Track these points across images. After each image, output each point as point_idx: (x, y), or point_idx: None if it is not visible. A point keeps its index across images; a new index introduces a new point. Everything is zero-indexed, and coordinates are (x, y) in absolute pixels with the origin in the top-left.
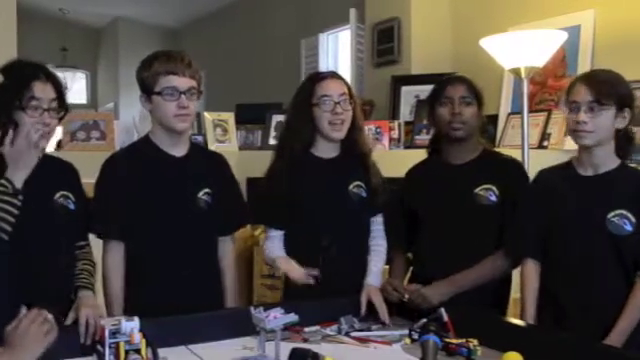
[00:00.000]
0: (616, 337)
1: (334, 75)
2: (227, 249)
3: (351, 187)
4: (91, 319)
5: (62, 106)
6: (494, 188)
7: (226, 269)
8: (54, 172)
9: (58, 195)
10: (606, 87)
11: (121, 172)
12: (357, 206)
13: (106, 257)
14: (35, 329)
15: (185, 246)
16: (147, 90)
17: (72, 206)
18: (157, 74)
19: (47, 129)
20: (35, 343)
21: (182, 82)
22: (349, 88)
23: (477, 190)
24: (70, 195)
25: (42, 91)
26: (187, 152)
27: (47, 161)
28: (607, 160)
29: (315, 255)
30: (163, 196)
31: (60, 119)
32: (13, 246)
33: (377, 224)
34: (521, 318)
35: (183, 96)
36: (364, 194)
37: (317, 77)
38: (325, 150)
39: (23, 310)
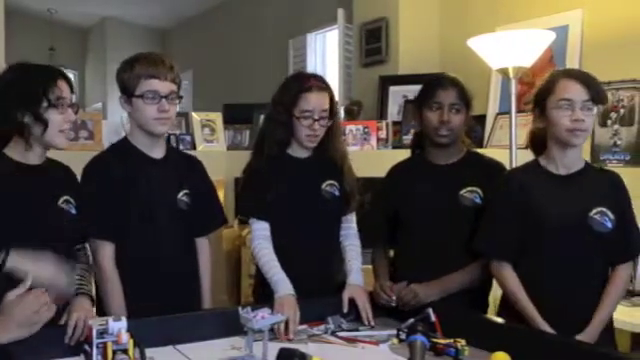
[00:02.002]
0: (595, 328)
1: (320, 87)
2: (203, 250)
3: (324, 186)
4: (81, 322)
5: (75, 103)
6: (479, 191)
7: (203, 271)
8: (57, 176)
9: (62, 200)
10: (598, 86)
11: (107, 173)
12: (330, 204)
13: (100, 259)
14: (37, 309)
15: (166, 247)
16: (127, 92)
17: (74, 211)
18: (138, 77)
19: (71, 126)
20: (30, 323)
21: (163, 86)
22: (332, 98)
23: (462, 192)
24: (72, 200)
25: (65, 89)
26: (165, 154)
27: (50, 164)
28: (578, 159)
29: (287, 254)
30: (145, 198)
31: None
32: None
33: (349, 222)
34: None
35: (164, 100)
36: (337, 193)
37: (303, 86)
38: (299, 151)
39: (29, 280)
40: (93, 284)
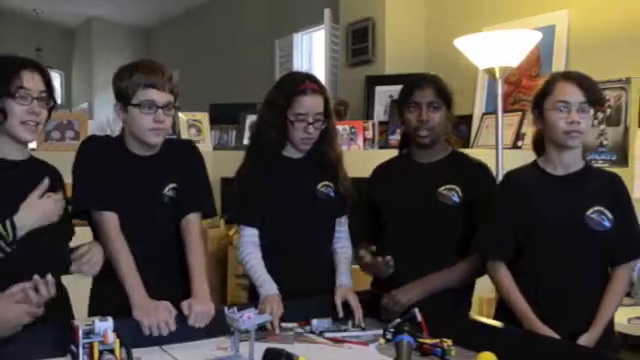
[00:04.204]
0: (597, 329)
1: (315, 89)
2: (190, 227)
3: (319, 186)
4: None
5: (51, 98)
6: (458, 189)
7: (190, 244)
8: (41, 175)
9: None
10: (595, 88)
11: (99, 153)
12: (325, 205)
13: (106, 229)
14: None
15: (149, 243)
16: (124, 100)
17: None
18: (136, 86)
19: (37, 119)
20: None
21: (161, 97)
22: (326, 100)
23: (441, 190)
24: None
25: (30, 80)
26: (156, 152)
27: (33, 163)
28: (576, 160)
29: (283, 255)
30: (128, 192)
31: (50, 111)
32: None
33: (342, 225)
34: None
35: (160, 110)
36: (332, 194)
37: (298, 89)
38: (294, 152)
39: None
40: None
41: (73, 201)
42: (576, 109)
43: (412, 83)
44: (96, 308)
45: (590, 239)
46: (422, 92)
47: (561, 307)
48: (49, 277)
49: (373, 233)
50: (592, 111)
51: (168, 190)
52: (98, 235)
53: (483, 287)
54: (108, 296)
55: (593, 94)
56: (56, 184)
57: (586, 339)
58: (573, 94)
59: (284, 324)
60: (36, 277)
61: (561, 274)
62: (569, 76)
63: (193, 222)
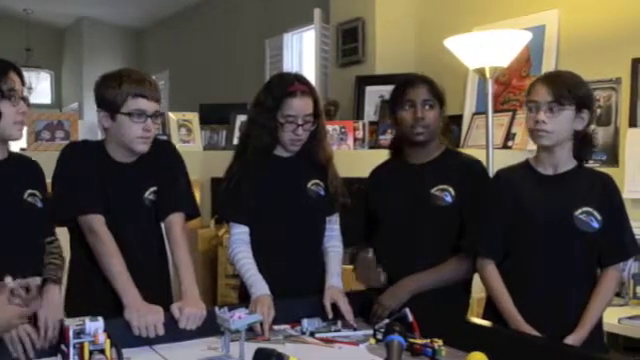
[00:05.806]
0: (584, 329)
1: (304, 91)
2: (173, 227)
3: (309, 185)
4: (50, 322)
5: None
6: (450, 189)
7: (174, 245)
8: (21, 170)
9: (27, 194)
10: (566, 88)
11: (80, 160)
12: (315, 203)
13: (95, 228)
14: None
15: (132, 247)
16: (111, 108)
17: (40, 204)
18: (126, 95)
19: (25, 118)
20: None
21: (150, 106)
22: (315, 101)
23: (433, 190)
24: (37, 193)
25: (17, 81)
26: (137, 158)
27: (13, 159)
28: (566, 160)
29: (273, 254)
30: (109, 198)
31: None
32: None
33: (333, 223)
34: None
35: (149, 119)
36: (322, 192)
37: (287, 91)
38: (283, 150)
39: (8, 280)
40: (64, 274)
41: (57, 209)
42: (545, 109)
43: (405, 82)
44: (73, 310)
45: (578, 239)
46: (416, 90)
47: (549, 307)
48: (36, 279)
49: (371, 236)
50: (569, 110)
51: (149, 194)
52: (86, 239)
53: (474, 287)
54: (85, 299)
55: (562, 93)
56: (37, 178)
57: (572, 340)
58: (541, 94)
59: (275, 327)
60: (27, 280)
61: (548, 274)
62: (545, 75)
63: (175, 223)
